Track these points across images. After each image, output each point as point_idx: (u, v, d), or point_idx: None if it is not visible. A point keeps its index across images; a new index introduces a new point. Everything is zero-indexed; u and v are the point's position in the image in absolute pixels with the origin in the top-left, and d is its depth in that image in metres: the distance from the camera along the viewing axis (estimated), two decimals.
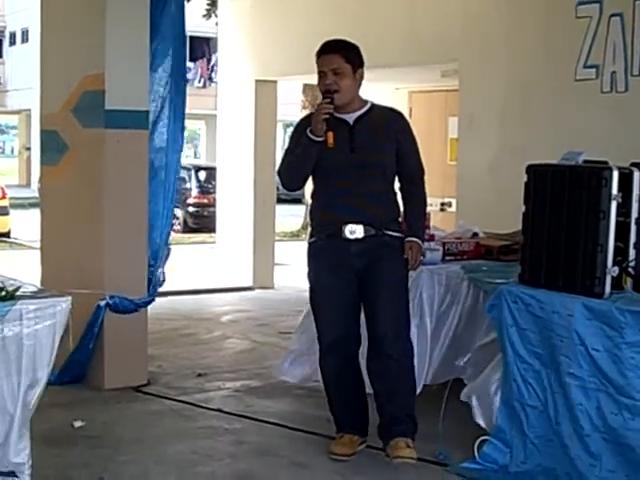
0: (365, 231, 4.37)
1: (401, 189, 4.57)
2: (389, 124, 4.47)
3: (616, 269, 3.92)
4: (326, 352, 4.54)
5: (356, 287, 4.45)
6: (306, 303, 4.88)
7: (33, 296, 3.45)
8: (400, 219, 4.53)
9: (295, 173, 4.49)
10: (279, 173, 4.54)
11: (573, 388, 3.94)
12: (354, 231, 4.36)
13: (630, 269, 3.97)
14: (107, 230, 5.62)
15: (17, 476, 3.39)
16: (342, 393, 4.59)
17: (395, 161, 4.44)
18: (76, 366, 5.58)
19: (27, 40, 34.03)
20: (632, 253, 3.96)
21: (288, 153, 4.52)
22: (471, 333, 5.30)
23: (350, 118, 4.42)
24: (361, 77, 4.45)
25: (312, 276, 4.55)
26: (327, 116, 4.27)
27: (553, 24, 6.84)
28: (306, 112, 18.88)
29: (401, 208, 4.56)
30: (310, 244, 4.55)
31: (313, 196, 4.57)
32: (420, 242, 4.48)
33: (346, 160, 4.37)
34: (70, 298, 3.46)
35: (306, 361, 5.60)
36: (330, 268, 4.43)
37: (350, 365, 4.54)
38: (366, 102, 4.51)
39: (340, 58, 4.37)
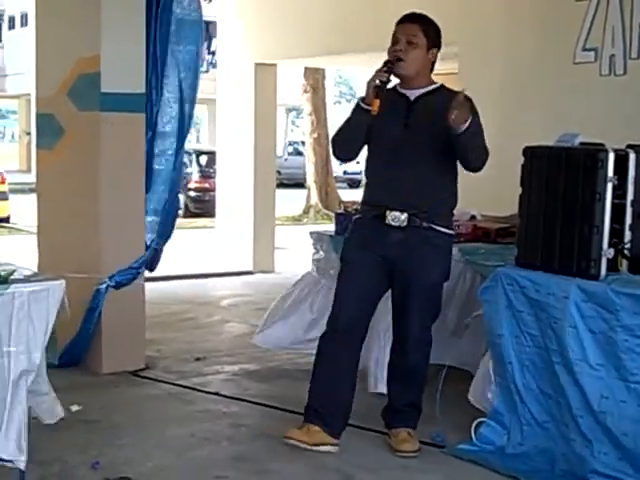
0: (409, 221, 4.19)
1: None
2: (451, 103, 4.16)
3: (612, 251, 3.92)
4: (334, 329, 4.34)
5: (384, 274, 4.30)
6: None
7: (27, 280, 3.46)
8: (454, 213, 4.37)
9: (345, 142, 4.34)
10: (332, 141, 4.41)
11: (568, 370, 3.93)
12: (397, 219, 4.18)
13: (626, 251, 3.96)
14: (104, 214, 5.60)
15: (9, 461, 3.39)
16: (328, 379, 4.34)
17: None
18: (74, 350, 5.58)
19: (26, 24, 33.89)
20: (628, 235, 3.95)
21: (344, 122, 4.37)
22: (469, 316, 5.30)
23: (412, 94, 4.26)
24: (434, 57, 4.29)
25: (344, 249, 4.44)
26: (380, 84, 4.09)
27: (552, 7, 6.81)
28: (307, 96, 19.01)
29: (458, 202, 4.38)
30: (354, 220, 4.45)
31: (366, 174, 4.45)
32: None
33: (398, 136, 4.20)
34: (64, 281, 3.46)
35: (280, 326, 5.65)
36: (364, 246, 4.29)
37: (351, 353, 4.36)
38: (435, 83, 4.33)
39: (419, 29, 4.22)
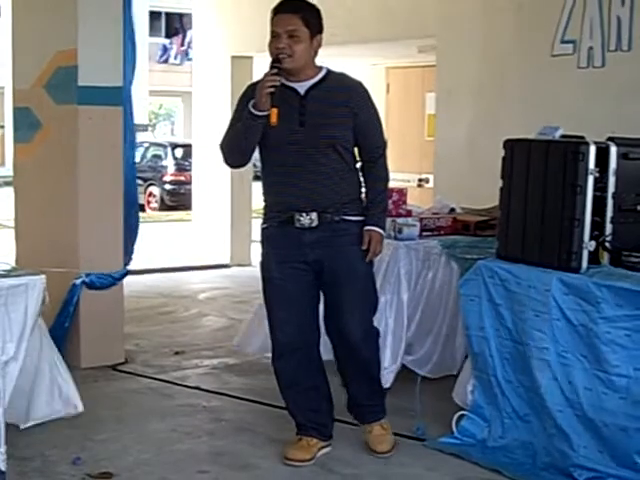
0: (320, 218, 3.98)
1: (361, 167, 4.14)
2: (345, 94, 4.00)
3: (593, 243, 3.93)
4: (282, 353, 4.14)
5: (312, 279, 4.08)
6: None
7: (6, 274, 3.43)
8: (362, 198, 4.15)
9: (236, 150, 4.06)
10: (222, 149, 4.09)
11: (548, 363, 3.94)
12: (307, 219, 3.97)
13: (607, 244, 3.97)
14: (82, 207, 5.57)
15: None
16: (302, 396, 4.21)
17: (353, 136, 4.01)
18: None
19: None
20: (609, 227, 3.96)
21: (232, 125, 4.05)
22: (448, 309, 5.31)
23: (301, 87, 3.97)
24: (318, 44, 3.99)
25: (263, 266, 4.18)
26: (272, 90, 3.81)
27: None
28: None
29: (363, 186, 4.18)
30: (262, 230, 4.20)
31: (263, 176, 4.14)
32: (381, 231, 4.08)
33: (296, 135, 3.94)
34: (44, 276, 3.44)
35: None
36: (281, 258, 4.07)
37: (311, 364, 4.19)
38: (321, 69, 4.04)
39: (298, 20, 3.89)
